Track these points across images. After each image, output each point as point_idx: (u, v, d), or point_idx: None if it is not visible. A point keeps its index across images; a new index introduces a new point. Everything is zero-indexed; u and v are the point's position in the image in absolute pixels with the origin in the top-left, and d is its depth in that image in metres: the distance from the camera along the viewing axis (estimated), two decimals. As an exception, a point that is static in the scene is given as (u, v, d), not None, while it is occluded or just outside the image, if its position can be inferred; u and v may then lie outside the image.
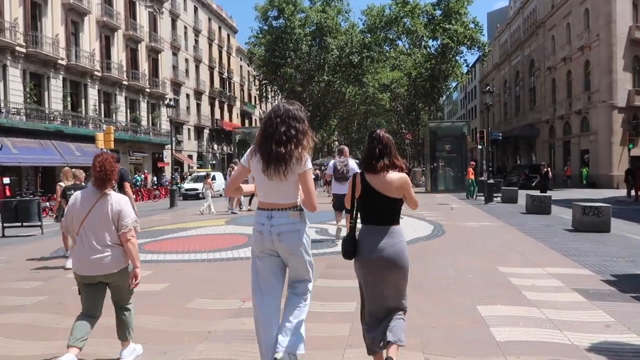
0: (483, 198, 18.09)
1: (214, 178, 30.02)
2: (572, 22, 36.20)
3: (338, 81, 45.92)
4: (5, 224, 11.72)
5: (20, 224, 11.69)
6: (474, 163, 22.37)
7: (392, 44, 43.51)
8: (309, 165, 2.93)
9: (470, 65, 58.27)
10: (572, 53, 36.05)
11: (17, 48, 23.55)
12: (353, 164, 8.58)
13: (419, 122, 45.76)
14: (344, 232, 7.66)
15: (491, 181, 17.83)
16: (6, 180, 19.66)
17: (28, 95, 24.27)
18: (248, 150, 3.01)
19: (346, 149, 8.92)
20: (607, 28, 31.43)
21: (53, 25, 26.34)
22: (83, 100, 29.25)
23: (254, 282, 3.02)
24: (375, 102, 53.63)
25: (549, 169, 25.16)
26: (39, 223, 11.60)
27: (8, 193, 18.57)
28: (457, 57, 41.48)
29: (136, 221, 3.50)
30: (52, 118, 25.74)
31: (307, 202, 2.96)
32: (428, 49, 42.23)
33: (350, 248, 3.01)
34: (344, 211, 8.48)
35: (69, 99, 27.53)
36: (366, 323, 3.04)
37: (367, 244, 2.98)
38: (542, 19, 41.96)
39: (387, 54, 44.04)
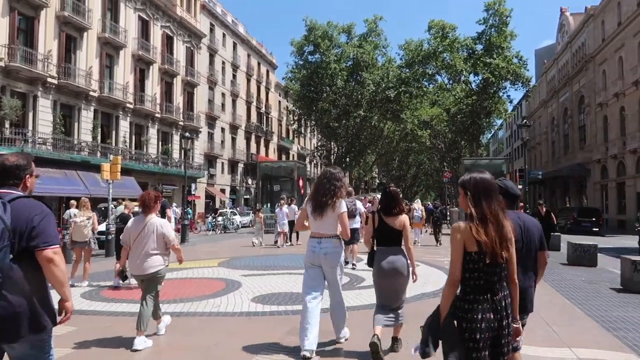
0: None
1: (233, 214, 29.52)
2: (625, 55, 33.83)
3: (374, 116, 44.90)
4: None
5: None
6: (523, 204, 20.34)
7: (431, 79, 42.13)
8: (343, 208, 4.62)
9: (515, 102, 56.22)
10: (625, 88, 33.52)
11: (49, 79, 23.93)
12: (359, 204, 10.49)
13: (460, 160, 43.71)
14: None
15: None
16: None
17: (57, 126, 24.45)
18: (306, 200, 4.91)
19: (352, 190, 11.12)
20: (664, 61, 28.98)
21: (87, 57, 26.83)
22: (114, 132, 29.45)
23: (304, 284, 4.64)
24: (415, 139, 52.20)
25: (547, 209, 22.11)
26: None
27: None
28: (500, 93, 39.70)
29: (176, 236, 5.18)
30: (79, 149, 25.81)
31: (343, 233, 4.66)
32: (469, 85, 40.67)
33: (371, 260, 4.71)
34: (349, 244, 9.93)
35: (98, 129, 27.68)
36: (377, 307, 4.66)
37: (383, 258, 4.60)
38: (592, 53, 39.68)
39: (425, 89, 42.69)
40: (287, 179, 25.94)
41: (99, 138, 27.78)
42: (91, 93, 26.85)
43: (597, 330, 5.56)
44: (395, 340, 4.65)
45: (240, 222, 31.03)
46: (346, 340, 4.85)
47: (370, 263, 4.72)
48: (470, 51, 39.11)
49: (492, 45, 37.46)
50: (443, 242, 17.80)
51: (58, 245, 2.50)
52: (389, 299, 4.59)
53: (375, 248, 4.70)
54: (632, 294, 7.93)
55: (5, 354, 2.55)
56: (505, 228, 2.61)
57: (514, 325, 2.67)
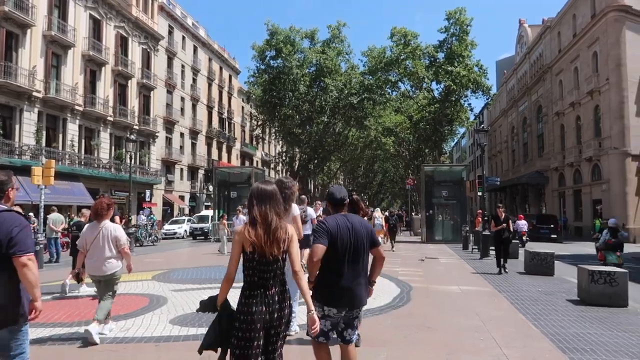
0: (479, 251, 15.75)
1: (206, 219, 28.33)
2: (580, 66, 34.57)
3: (338, 123, 44.48)
4: None
5: None
6: (482, 211, 20.08)
7: (394, 86, 42.01)
8: (297, 211, 5.60)
9: (476, 111, 56.81)
10: (580, 98, 34.21)
11: (-14, 78, 22.30)
12: (311, 211, 10.30)
13: (421, 167, 43.73)
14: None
15: (487, 232, 15.47)
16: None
17: (-5, 128, 22.79)
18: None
19: (305, 198, 10.80)
20: (617, 71, 29.64)
21: (31, 56, 25.23)
22: (60, 135, 27.77)
23: None
24: (380, 146, 52.09)
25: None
26: None
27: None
28: (462, 101, 39.95)
29: (128, 241, 5.95)
30: (19, 152, 24.14)
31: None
32: (431, 92, 40.77)
33: None
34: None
35: (43, 132, 26.04)
36: None
37: None
38: (549, 64, 40.50)
39: (388, 96, 42.58)
40: (244, 185, 25.00)
41: (43, 141, 26.11)
42: (34, 94, 25.21)
43: (552, 354, 4.96)
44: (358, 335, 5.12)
45: (165, 232, 29.31)
46: (296, 333, 5.29)
47: None
48: (432, 59, 39.19)
49: (454, 54, 37.62)
50: (398, 248, 17.35)
51: (32, 253, 2.93)
52: None
53: None
54: (589, 307, 7.46)
55: None
56: (277, 229, 2.88)
57: (309, 314, 2.90)
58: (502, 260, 11.70)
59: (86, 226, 5.71)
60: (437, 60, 38.95)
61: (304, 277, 2.99)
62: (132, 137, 20.76)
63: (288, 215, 4.77)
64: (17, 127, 24.69)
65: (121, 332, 5.51)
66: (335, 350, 3.62)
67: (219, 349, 2.92)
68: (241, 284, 2.94)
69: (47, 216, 14.34)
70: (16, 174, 21.50)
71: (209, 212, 29.47)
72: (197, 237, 27.07)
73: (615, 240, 11.60)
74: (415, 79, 39.36)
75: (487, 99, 41.40)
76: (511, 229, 12.56)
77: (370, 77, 40.76)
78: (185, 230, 29.64)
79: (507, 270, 11.66)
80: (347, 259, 3.38)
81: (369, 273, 3.62)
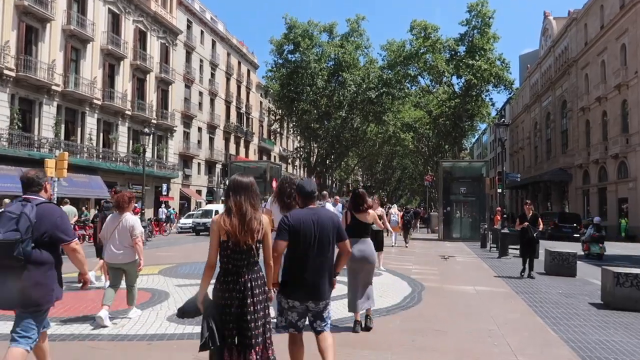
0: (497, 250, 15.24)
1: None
2: (608, 59, 33.41)
3: (356, 118, 44.00)
4: None
5: None
6: (501, 208, 19.48)
7: (414, 80, 41.28)
8: None
9: (498, 106, 55.60)
10: (607, 92, 33.09)
11: (6, 72, 22.52)
12: (329, 206, 10.72)
13: (439, 163, 43.01)
14: None
15: (506, 230, 14.93)
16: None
17: (15, 121, 23.03)
18: (269, 202, 5.25)
19: (326, 193, 12.11)
20: (646, 64, 28.53)
21: (50, 50, 25.42)
22: (79, 129, 28.01)
23: None
24: (399, 142, 51.42)
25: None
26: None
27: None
28: (483, 96, 39.09)
29: (142, 233, 5.99)
30: (38, 145, 24.38)
31: None
32: (451, 87, 39.98)
33: None
34: None
35: (61, 125, 26.27)
36: (351, 294, 5.40)
37: (355, 248, 5.12)
38: (575, 57, 39.30)
39: (407, 91, 41.91)
40: (259, 179, 24.76)
41: (62, 135, 26.35)
42: (54, 87, 25.41)
43: (572, 362, 4.57)
44: (368, 317, 5.53)
45: (181, 226, 28.26)
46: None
47: None
48: (453, 52, 38.44)
49: (475, 47, 36.82)
50: (414, 245, 16.95)
51: (76, 239, 3.41)
52: (365, 281, 5.41)
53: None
54: (613, 311, 7.00)
55: None
56: (252, 220, 3.04)
57: (269, 295, 3.19)
58: (527, 263, 10.42)
59: (109, 217, 6.21)
60: (458, 53, 38.18)
61: (273, 267, 3.26)
62: (146, 130, 20.67)
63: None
64: (36, 120, 24.93)
65: (115, 329, 5.29)
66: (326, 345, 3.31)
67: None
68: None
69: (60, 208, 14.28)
70: (34, 167, 21.86)
71: (213, 207, 28.51)
72: (201, 233, 24.87)
73: (598, 234, 15.17)
74: (435, 73, 38.64)
75: (510, 94, 40.50)
76: (541, 227, 10.96)
77: (389, 71, 40.18)
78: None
79: (533, 275, 10.24)
80: (311, 253, 3.45)
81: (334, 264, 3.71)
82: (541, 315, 6.60)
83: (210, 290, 3.15)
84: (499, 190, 22.50)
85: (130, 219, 5.88)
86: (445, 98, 40.36)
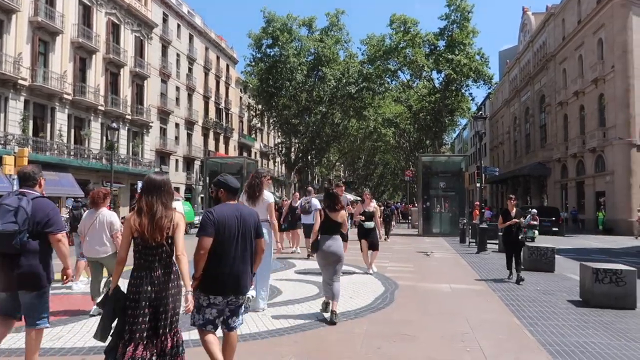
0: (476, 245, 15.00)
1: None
2: (585, 53, 33.58)
3: (336, 113, 43.58)
4: None
5: None
6: (479, 203, 19.30)
7: (394, 75, 40.99)
8: (270, 199, 6.22)
9: (478, 101, 55.74)
10: (584, 86, 33.27)
11: (-33, 65, 21.52)
12: (315, 202, 11.43)
13: (418, 157, 42.93)
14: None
15: (484, 225, 14.67)
16: None
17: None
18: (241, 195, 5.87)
19: (311, 189, 12.57)
20: (623, 59, 28.68)
21: (16, 43, 24.41)
22: (49, 125, 27.02)
23: None
24: (380, 138, 51.23)
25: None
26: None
27: None
28: (463, 90, 39.05)
29: (121, 227, 5.82)
30: (4, 142, 23.41)
31: (271, 217, 6.16)
32: (431, 82, 39.83)
33: (316, 247, 5.93)
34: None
35: (29, 121, 25.30)
36: (324, 283, 5.99)
37: (324, 244, 5.87)
38: (553, 52, 39.48)
39: (387, 85, 41.62)
40: (236, 175, 24.17)
41: (29, 131, 25.37)
42: (20, 81, 24.42)
43: (549, 369, 4.21)
44: (333, 313, 5.66)
45: None
46: (263, 310, 6.14)
47: (314, 248, 6.01)
48: (432, 47, 38.27)
49: (454, 42, 36.70)
50: (394, 241, 16.66)
51: (64, 231, 3.83)
52: (331, 272, 5.84)
53: (319, 237, 5.96)
54: (592, 309, 6.71)
55: None
56: (161, 218, 3.20)
57: (186, 294, 3.21)
58: (512, 265, 9.16)
59: (85, 213, 6.41)
60: (438, 48, 38.02)
61: (185, 261, 3.25)
62: (114, 124, 19.86)
63: (260, 202, 6.01)
64: (1, 115, 23.94)
65: (50, 341, 4.76)
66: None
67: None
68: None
69: None
70: (-2, 164, 20.68)
71: (178, 204, 28.08)
72: None
73: (534, 223, 19.74)
74: (415, 67, 38.41)
75: (489, 89, 40.53)
76: (522, 226, 9.44)
77: (369, 65, 39.83)
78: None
79: (522, 277, 8.85)
80: (234, 247, 3.53)
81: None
82: (518, 315, 6.27)
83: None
84: (477, 185, 22.38)
85: (107, 214, 6.06)
86: (425, 93, 40.21)
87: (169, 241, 3.21)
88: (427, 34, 38.10)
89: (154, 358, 3.11)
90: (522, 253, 9.46)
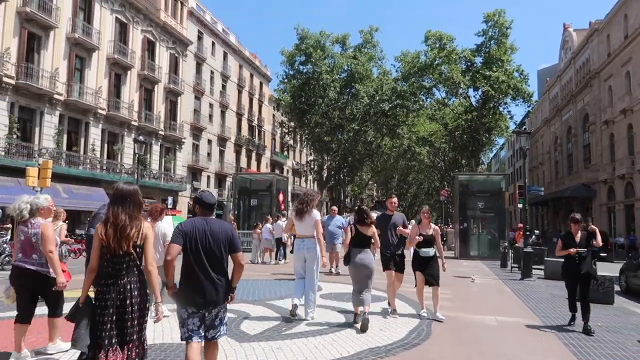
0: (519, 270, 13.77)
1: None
2: (633, 69, 31.78)
3: (369, 131, 42.79)
4: None
5: None
6: (523, 225, 17.98)
7: (429, 92, 39.98)
8: (317, 216, 6.75)
9: (517, 120, 53.90)
10: (633, 104, 31.40)
11: (5, 79, 21.92)
12: (340, 218, 12.45)
13: (454, 176, 41.51)
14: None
15: (529, 249, 13.46)
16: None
17: (13, 130, 22.34)
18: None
19: (335, 208, 13.19)
20: (676, 74, 26.88)
21: (53, 58, 24.86)
22: (82, 139, 27.31)
23: (295, 269, 6.86)
24: (415, 157, 49.99)
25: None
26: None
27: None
28: (501, 108, 37.73)
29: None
30: (38, 155, 23.64)
31: (318, 234, 6.73)
32: (468, 99, 38.65)
33: (348, 260, 6.43)
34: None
35: (63, 136, 25.58)
36: (354, 294, 6.45)
37: (356, 257, 6.37)
38: (597, 69, 37.69)
39: (422, 103, 40.63)
40: (265, 192, 23.69)
41: (64, 145, 25.64)
42: (56, 96, 24.78)
43: None
44: (363, 315, 6.16)
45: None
46: (312, 319, 6.53)
47: (346, 261, 6.44)
48: (469, 63, 37.27)
49: (492, 58, 35.60)
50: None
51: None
52: (362, 284, 6.29)
53: (351, 250, 6.40)
54: (673, 353, 5.58)
55: None
56: (126, 228, 3.29)
57: (155, 304, 3.36)
58: (576, 306, 7.05)
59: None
60: (474, 65, 36.99)
61: (155, 273, 3.35)
62: (141, 137, 19.66)
63: (307, 218, 6.63)
64: (37, 129, 24.27)
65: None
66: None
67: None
68: None
69: None
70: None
71: (168, 219, 27.66)
72: None
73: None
74: (450, 84, 37.37)
75: (529, 107, 38.96)
76: (600, 244, 7.20)
77: (404, 82, 39.03)
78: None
79: (590, 328, 6.52)
80: (203, 261, 3.56)
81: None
82: (579, 357, 5.22)
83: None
84: (519, 205, 21.03)
85: (162, 226, 6.62)
86: (461, 111, 39.06)
87: (137, 250, 3.29)
88: (464, 50, 37.16)
89: None
90: (590, 288, 7.13)
